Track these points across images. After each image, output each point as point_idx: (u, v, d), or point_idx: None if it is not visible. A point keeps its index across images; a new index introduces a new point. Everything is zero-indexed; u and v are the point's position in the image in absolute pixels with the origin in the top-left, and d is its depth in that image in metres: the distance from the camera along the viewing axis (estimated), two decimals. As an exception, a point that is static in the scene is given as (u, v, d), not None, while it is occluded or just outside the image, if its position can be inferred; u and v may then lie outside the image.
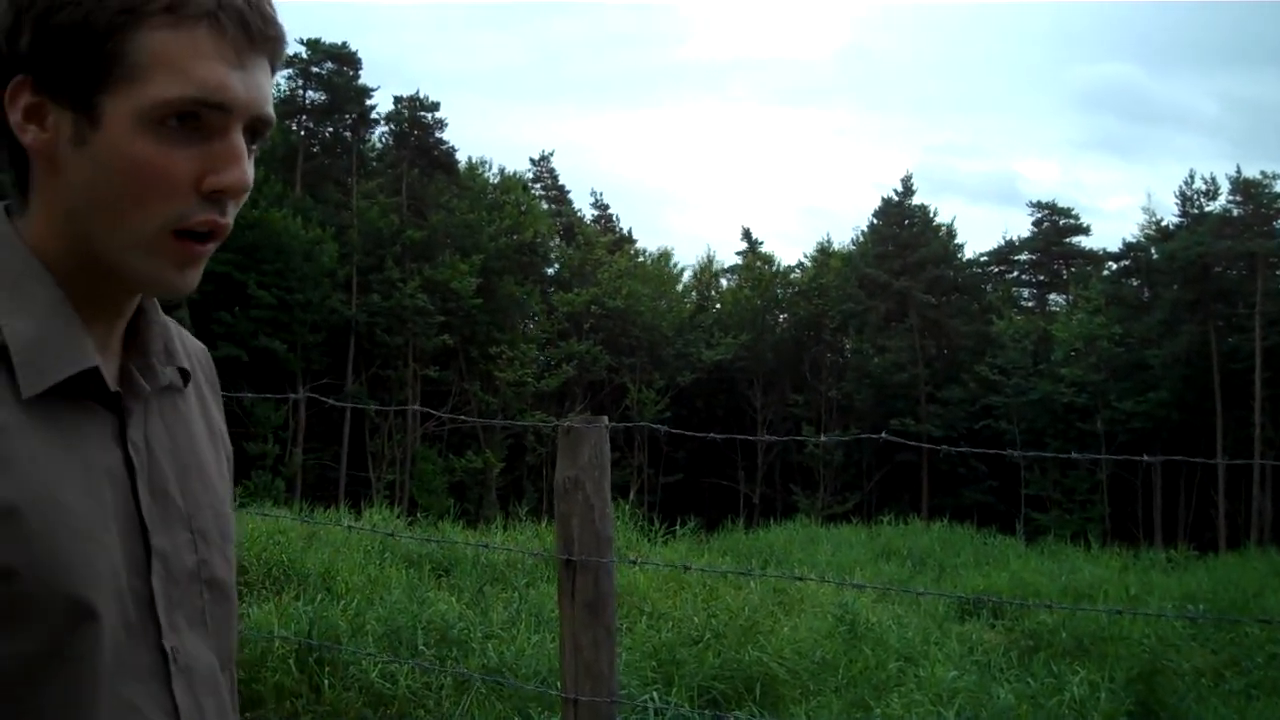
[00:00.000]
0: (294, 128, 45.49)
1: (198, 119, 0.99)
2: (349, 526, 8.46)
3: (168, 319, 1.22)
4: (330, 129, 47.19)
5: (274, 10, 1.04)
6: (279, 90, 44.88)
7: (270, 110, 1.04)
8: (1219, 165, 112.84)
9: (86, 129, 0.99)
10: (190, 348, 1.25)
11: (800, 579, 6.68)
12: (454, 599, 8.32)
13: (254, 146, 1.05)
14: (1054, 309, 54.78)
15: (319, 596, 7.61)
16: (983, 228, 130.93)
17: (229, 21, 0.99)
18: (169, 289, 1.05)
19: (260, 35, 1.01)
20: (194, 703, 1.08)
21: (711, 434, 3.69)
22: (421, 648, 6.87)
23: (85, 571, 0.98)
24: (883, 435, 3.23)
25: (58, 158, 1.01)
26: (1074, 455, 3.29)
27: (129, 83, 0.98)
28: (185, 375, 1.18)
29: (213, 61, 0.98)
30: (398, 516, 15.63)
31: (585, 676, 3.16)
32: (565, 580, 3.22)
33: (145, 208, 1.00)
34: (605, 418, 3.25)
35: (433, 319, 42.85)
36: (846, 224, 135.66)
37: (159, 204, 1.00)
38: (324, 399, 5.03)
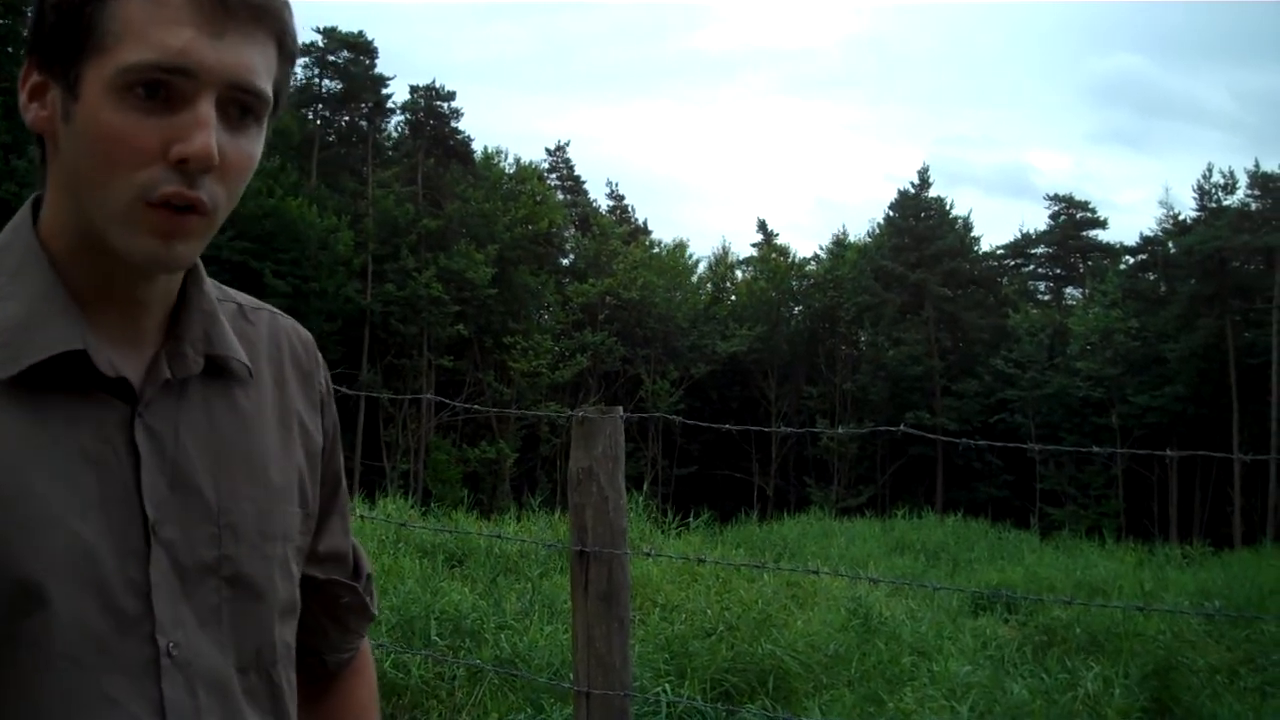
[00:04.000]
0: (310, 116, 45.48)
1: (167, 87, 0.97)
2: (361, 516, 8.47)
3: (257, 310, 1.22)
4: (346, 118, 47.15)
5: None
6: (295, 79, 44.90)
7: (255, 80, 1.01)
8: (1235, 159, 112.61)
9: (70, 103, 0.99)
10: (281, 334, 1.23)
11: (814, 572, 6.63)
12: (467, 589, 8.33)
13: (248, 120, 1.03)
14: (1070, 302, 54.54)
15: (332, 586, 7.59)
16: (995, 220, 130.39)
17: None
18: (155, 262, 1.02)
19: (239, 3, 0.99)
20: (190, 701, 1.03)
21: (727, 425, 3.67)
22: (434, 638, 6.88)
23: (35, 557, 0.96)
24: (900, 429, 3.20)
25: (56, 136, 1.02)
26: (1094, 450, 3.25)
27: (102, 52, 0.97)
28: (236, 365, 1.13)
29: (179, 27, 0.96)
30: (412, 506, 15.65)
31: (598, 669, 3.14)
32: (578, 572, 3.20)
33: (115, 177, 0.98)
34: (620, 408, 3.22)
35: (447, 308, 42.76)
36: (859, 216, 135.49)
37: (126, 173, 0.98)
38: (338, 388, 5.02)
